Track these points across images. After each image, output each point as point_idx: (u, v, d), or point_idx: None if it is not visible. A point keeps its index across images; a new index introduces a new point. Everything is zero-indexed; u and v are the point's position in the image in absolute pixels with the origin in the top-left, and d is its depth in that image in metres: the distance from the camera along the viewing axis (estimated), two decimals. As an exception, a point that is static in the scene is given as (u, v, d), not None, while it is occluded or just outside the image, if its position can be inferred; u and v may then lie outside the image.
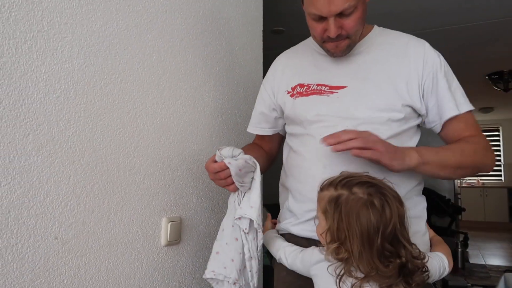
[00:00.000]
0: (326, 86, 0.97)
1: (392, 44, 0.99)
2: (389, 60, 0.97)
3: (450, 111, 0.94)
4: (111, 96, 0.90)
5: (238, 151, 0.88)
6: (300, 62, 1.06)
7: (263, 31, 1.62)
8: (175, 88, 1.10)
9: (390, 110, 0.92)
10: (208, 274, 0.88)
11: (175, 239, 1.06)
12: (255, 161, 0.90)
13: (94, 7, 0.86)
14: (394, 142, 0.88)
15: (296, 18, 2.65)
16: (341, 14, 0.87)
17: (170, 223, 1.04)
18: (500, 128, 7.10)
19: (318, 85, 0.98)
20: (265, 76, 1.14)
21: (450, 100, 0.95)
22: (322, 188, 0.77)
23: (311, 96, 0.98)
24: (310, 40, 1.07)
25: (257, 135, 1.19)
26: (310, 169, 0.95)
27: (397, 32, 1.04)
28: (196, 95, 1.18)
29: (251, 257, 0.88)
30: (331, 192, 0.74)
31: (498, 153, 6.96)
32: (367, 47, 0.99)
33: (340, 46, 0.93)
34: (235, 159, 0.86)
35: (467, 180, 7.08)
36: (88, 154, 0.84)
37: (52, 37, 0.77)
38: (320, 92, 0.97)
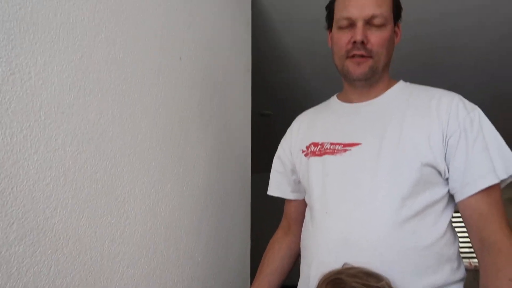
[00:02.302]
0: (340, 144, 0.90)
1: (417, 98, 0.90)
2: (410, 114, 0.87)
3: (485, 178, 0.78)
4: (100, 182, 0.90)
5: None
6: (315, 120, 1.03)
7: (252, 114, 1.70)
8: (165, 172, 1.11)
9: (407, 171, 0.81)
10: None
11: (157, 334, 1.00)
12: None
13: (91, 98, 0.90)
14: (421, 221, 0.77)
15: (282, 103, 2.79)
16: (370, 23, 0.88)
17: (152, 315, 0.98)
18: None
19: (332, 144, 0.92)
20: (283, 137, 1.11)
21: (486, 164, 0.79)
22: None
23: (323, 157, 0.92)
24: (330, 100, 1.06)
25: (285, 211, 1.12)
26: (314, 252, 0.87)
27: (426, 86, 0.95)
28: (185, 179, 1.19)
29: None
30: None
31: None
32: (388, 100, 0.93)
33: (362, 65, 0.89)
34: None
35: (458, 261, 6.90)
36: (72, 243, 0.82)
37: (47, 126, 0.79)
38: (333, 152, 0.90)
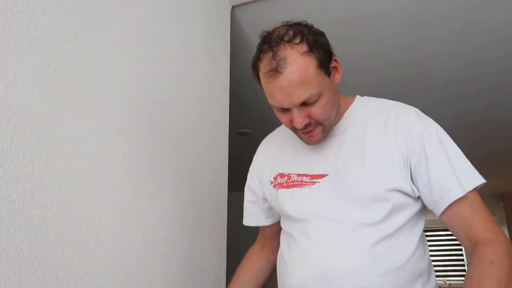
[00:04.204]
0: (307, 175, 0.90)
1: (376, 117, 0.89)
2: (370, 138, 0.87)
3: (451, 193, 0.79)
4: (69, 200, 0.87)
5: None
6: (281, 148, 1.00)
7: (229, 133, 1.69)
8: (138, 191, 1.09)
9: (375, 199, 0.82)
10: None
11: None
12: None
13: (63, 112, 0.88)
14: (393, 242, 0.79)
15: (261, 121, 2.81)
16: (305, 104, 0.81)
17: None
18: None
19: (299, 175, 0.91)
20: (251, 166, 1.09)
21: (450, 178, 0.80)
22: None
23: (292, 189, 0.91)
24: None
25: (260, 230, 1.11)
26: (292, 283, 0.87)
27: (383, 101, 0.94)
28: (159, 197, 1.17)
29: None
30: None
31: (461, 252, 7.04)
32: (347, 126, 0.91)
33: (314, 136, 0.86)
34: None
35: (434, 280, 7.00)
36: (38, 262, 0.78)
37: (15, 141, 0.77)
38: (301, 184, 0.90)
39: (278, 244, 1.01)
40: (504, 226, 5.83)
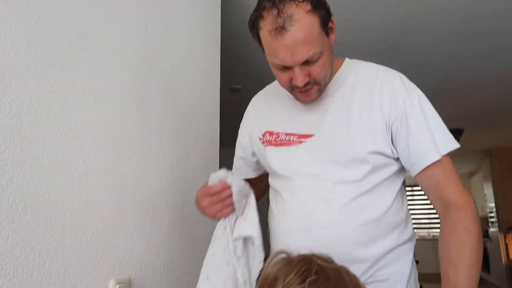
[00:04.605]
0: (295, 135, 0.94)
1: (362, 83, 0.92)
2: (355, 102, 0.90)
3: (428, 156, 0.85)
4: (60, 152, 0.87)
5: (230, 173, 0.89)
6: (270, 106, 1.02)
7: (220, 89, 1.67)
8: (130, 144, 1.09)
9: (356, 160, 0.87)
10: None
11: (123, 303, 1.00)
12: (249, 185, 0.91)
13: (49, 64, 0.86)
14: (370, 197, 0.85)
15: (253, 77, 2.78)
16: (306, 62, 0.82)
17: (118, 285, 0.98)
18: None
19: (287, 134, 0.95)
20: (241, 122, 1.11)
21: (428, 144, 0.85)
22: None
23: (280, 147, 0.95)
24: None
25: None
26: (280, 235, 0.93)
27: (369, 65, 0.96)
28: (151, 152, 1.17)
29: (245, 282, 0.84)
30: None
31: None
32: (336, 88, 0.94)
33: (310, 94, 0.88)
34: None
35: (418, 233, 7.30)
36: (31, 213, 0.80)
37: (0, 92, 0.75)
38: (289, 143, 0.94)
39: (262, 190, 1.11)
40: (489, 182, 6.00)
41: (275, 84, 1.06)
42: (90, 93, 0.97)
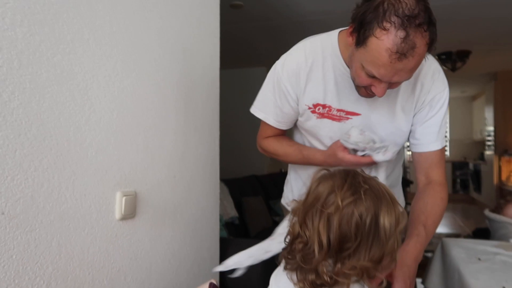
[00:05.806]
0: (344, 111, 1.02)
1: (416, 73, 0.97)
2: (400, 89, 0.99)
3: (433, 144, 1.04)
4: (59, 68, 0.86)
5: (370, 137, 0.96)
6: (323, 78, 1.02)
7: (221, 5, 1.60)
8: (129, 62, 1.07)
9: (395, 145, 0.99)
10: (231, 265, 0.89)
11: (130, 213, 1.06)
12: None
13: (38, -28, 0.81)
14: (394, 170, 1.12)
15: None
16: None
17: (124, 197, 1.04)
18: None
19: (338, 110, 1.02)
20: (287, 77, 1.04)
21: (434, 135, 1.04)
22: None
23: (331, 121, 1.04)
24: (335, 51, 1.00)
25: (262, 133, 1.19)
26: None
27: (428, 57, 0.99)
28: (150, 70, 1.16)
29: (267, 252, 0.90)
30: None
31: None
32: None
33: (381, 93, 0.90)
34: (375, 148, 0.94)
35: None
36: (36, 127, 0.81)
37: (-9, 3, 0.72)
38: (340, 118, 1.03)
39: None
40: (491, 106, 6.00)
41: (322, 51, 1.02)
42: (85, 6, 0.93)
